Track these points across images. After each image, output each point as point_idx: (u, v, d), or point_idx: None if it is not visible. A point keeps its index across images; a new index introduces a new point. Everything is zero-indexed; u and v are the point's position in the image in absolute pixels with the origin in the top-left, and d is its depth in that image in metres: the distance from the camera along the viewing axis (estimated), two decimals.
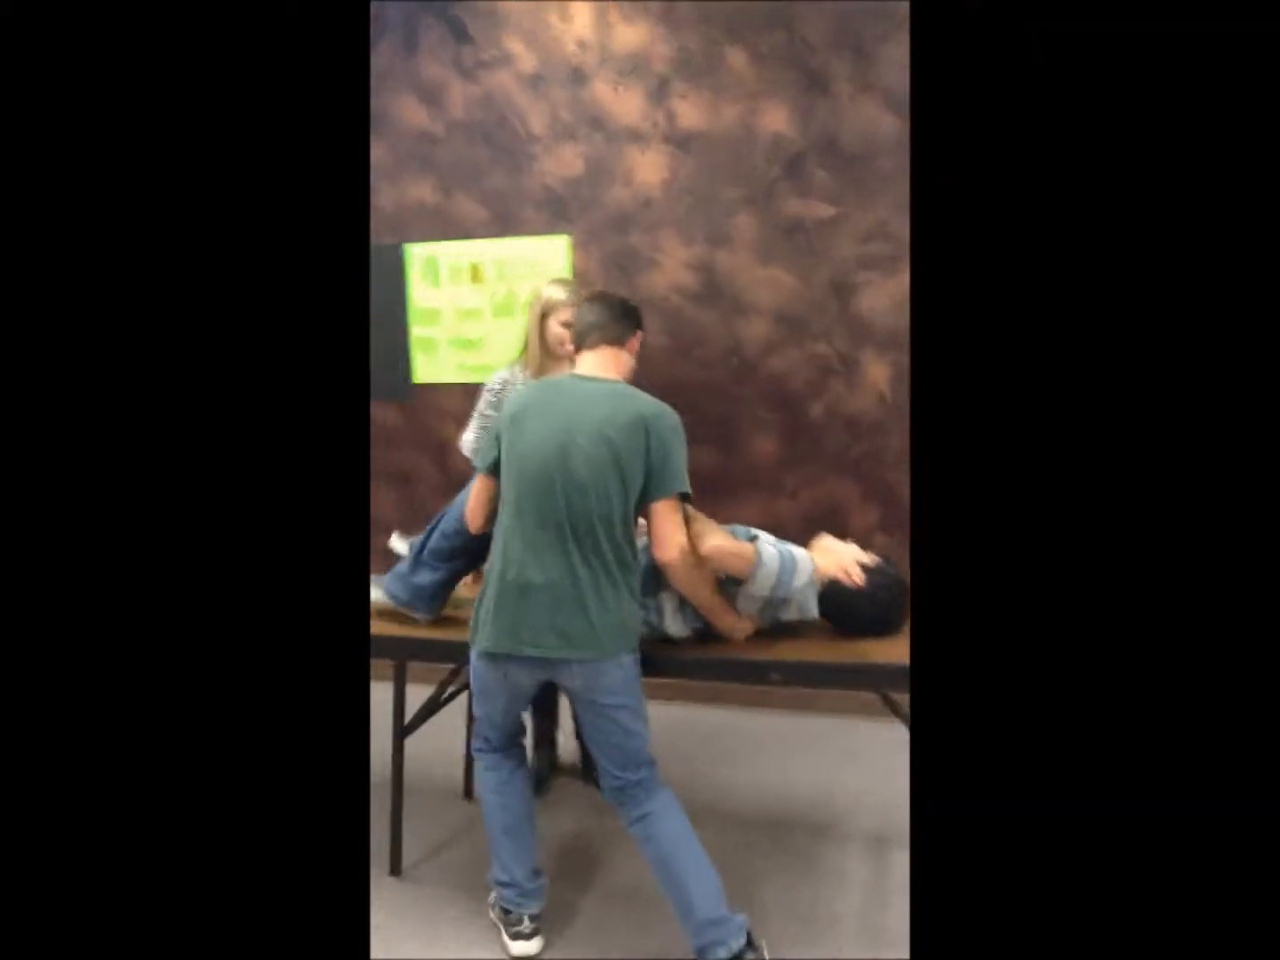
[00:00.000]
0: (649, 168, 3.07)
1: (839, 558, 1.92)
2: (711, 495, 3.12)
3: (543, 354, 2.37)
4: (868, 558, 1.95)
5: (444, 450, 3.44)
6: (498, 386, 2.46)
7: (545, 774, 2.65)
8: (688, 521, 1.81)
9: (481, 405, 2.49)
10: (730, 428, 3.11)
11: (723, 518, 3.10)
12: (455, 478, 3.41)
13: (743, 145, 2.97)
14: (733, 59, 2.93)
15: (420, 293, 3.37)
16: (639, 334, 1.87)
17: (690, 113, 3.00)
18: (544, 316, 2.35)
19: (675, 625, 1.92)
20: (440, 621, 2.13)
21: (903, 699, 1.95)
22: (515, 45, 3.13)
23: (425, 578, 2.07)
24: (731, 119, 2.97)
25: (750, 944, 1.72)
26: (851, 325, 2.96)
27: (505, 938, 1.91)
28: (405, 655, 2.12)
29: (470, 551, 2.03)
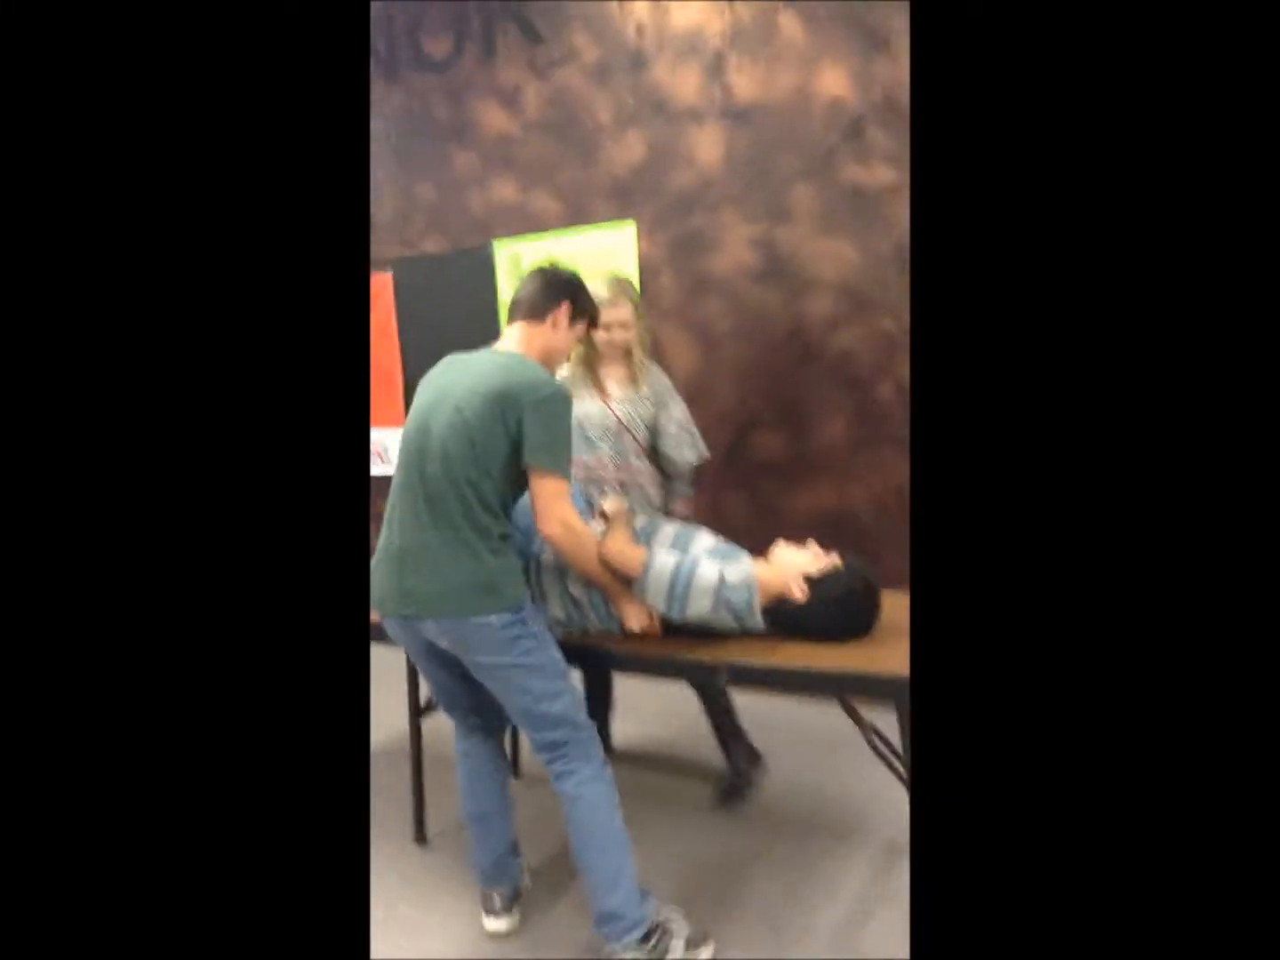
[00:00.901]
0: (708, 146, 3.00)
1: (784, 571, 1.79)
2: (781, 480, 3.01)
3: (586, 351, 2.36)
4: (818, 566, 1.80)
5: None
6: None
7: (738, 784, 2.52)
8: (610, 523, 1.83)
9: None
10: (797, 410, 2.97)
11: (792, 503, 2.99)
12: None
13: (800, 113, 2.83)
14: (786, 24, 2.80)
15: (507, 289, 3.49)
16: (565, 304, 1.82)
17: (746, 85, 2.90)
18: None
19: (594, 618, 1.87)
20: None
21: (875, 702, 1.77)
22: (580, 38, 3.17)
23: None
24: (787, 87, 2.83)
25: (648, 939, 1.69)
26: None
27: (482, 913, 1.95)
28: None
29: None
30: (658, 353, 2.92)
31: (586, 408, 2.35)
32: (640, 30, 3.05)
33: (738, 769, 2.46)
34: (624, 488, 2.36)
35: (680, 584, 1.73)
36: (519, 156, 3.39)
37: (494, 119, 3.42)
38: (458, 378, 1.72)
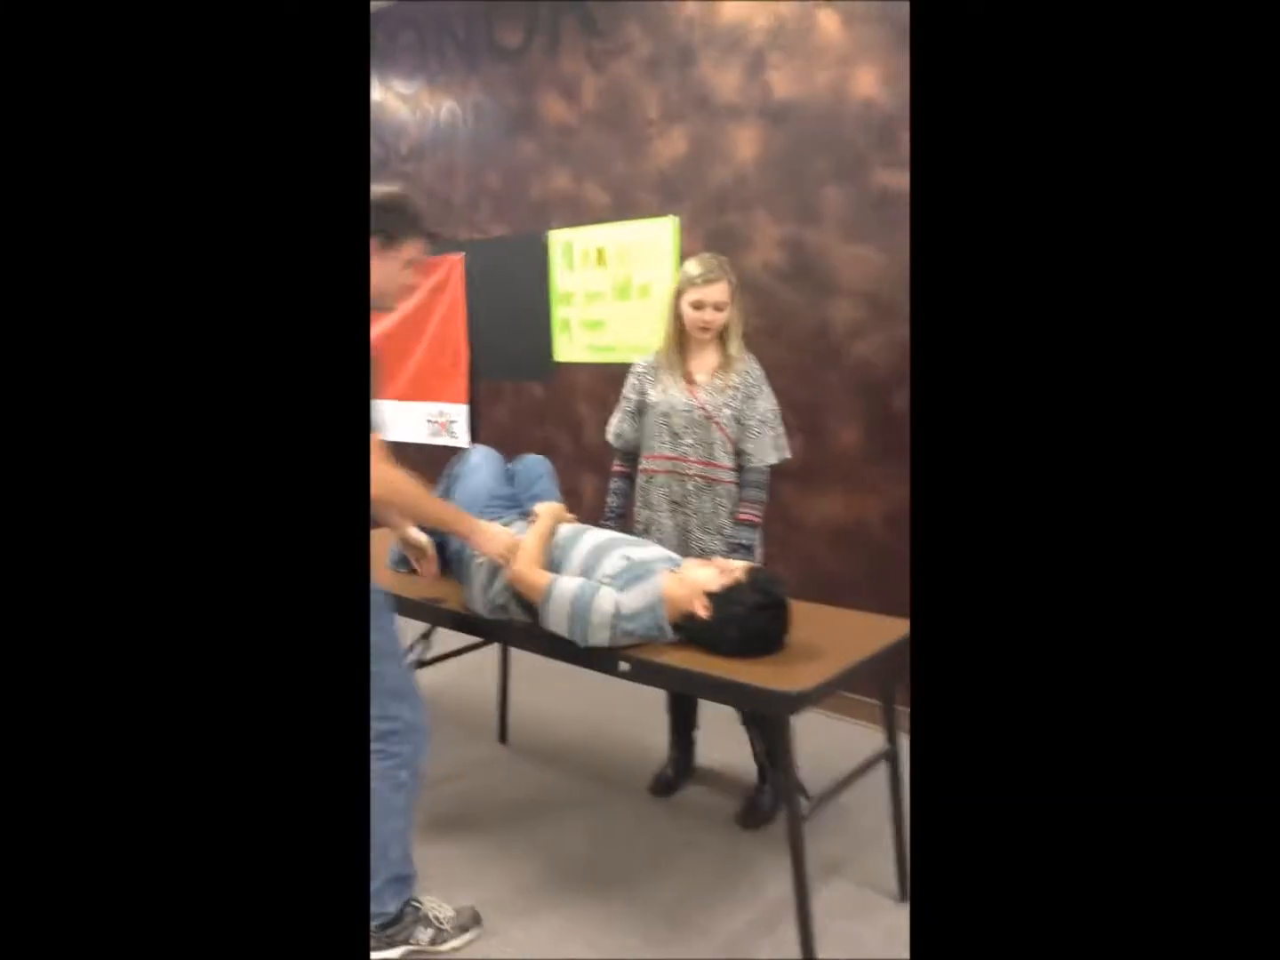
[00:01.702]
0: (745, 143, 2.98)
1: (687, 586, 1.80)
2: (795, 484, 3.00)
3: (676, 333, 2.25)
4: (721, 579, 1.80)
5: (579, 426, 3.66)
6: (640, 369, 2.36)
7: (670, 777, 2.53)
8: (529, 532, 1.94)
9: (625, 389, 2.39)
10: (815, 415, 2.94)
11: (804, 509, 2.97)
12: (587, 451, 3.62)
13: (833, 114, 2.77)
14: (825, 22, 2.74)
15: (560, 276, 3.60)
16: (372, 238, 1.67)
17: (784, 82, 2.86)
18: (677, 295, 2.23)
19: (479, 604, 1.96)
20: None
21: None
22: (634, 31, 3.21)
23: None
24: (823, 86, 2.78)
25: (400, 918, 1.85)
26: None
27: None
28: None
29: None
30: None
31: (672, 397, 2.25)
32: (689, 23, 3.05)
33: (760, 791, 2.39)
34: (708, 485, 2.24)
35: (579, 617, 1.76)
36: (574, 147, 3.47)
37: (555, 109, 3.51)
38: None
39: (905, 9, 2.57)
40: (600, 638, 1.77)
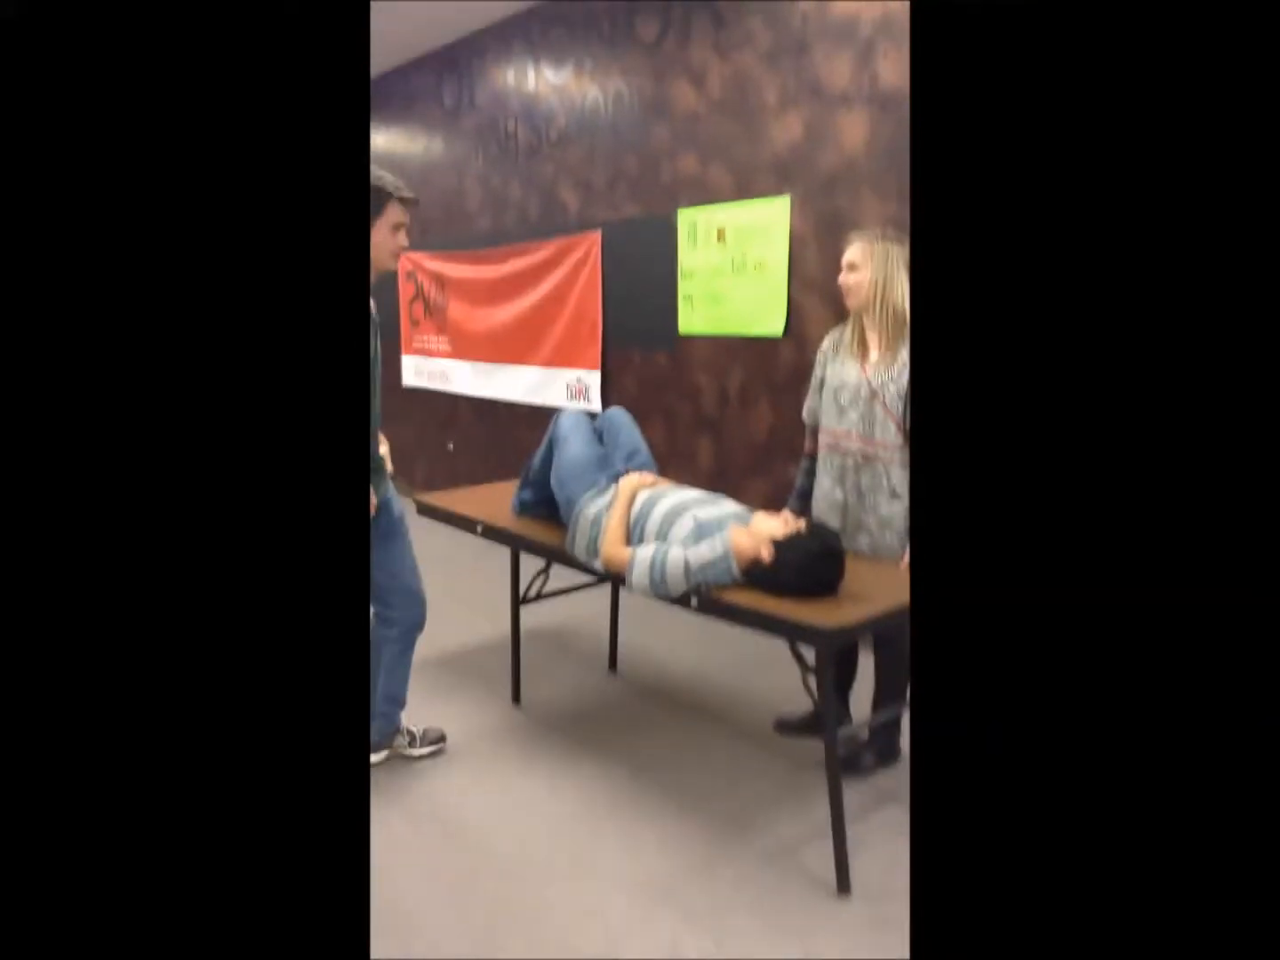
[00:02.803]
0: (854, 129, 3.15)
1: (755, 536, 2.07)
2: None
3: (858, 313, 2.32)
4: (785, 530, 2.06)
5: (698, 393, 3.95)
6: (824, 346, 2.44)
7: (795, 721, 2.67)
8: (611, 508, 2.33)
9: (815, 367, 2.48)
10: None
11: None
12: (704, 416, 3.92)
13: None
14: None
15: (685, 253, 3.88)
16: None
17: (891, 72, 3.01)
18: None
19: (583, 557, 2.37)
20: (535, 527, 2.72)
21: (809, 653, 2.01)
22: (756, 24, 3.42)
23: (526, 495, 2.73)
24: None
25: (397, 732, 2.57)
26: None
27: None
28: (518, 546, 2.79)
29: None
30: None
31: (845, 373, 2.30)
32: (805, 18, 3.23)
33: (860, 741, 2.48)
34: (867, 461, 2.28)
35: (656, 575, 2.10)
36: (701, 133, 3.73)
37: (685, 97, 3.77)
38: None
39: None
40: (679, 587, 2.10)
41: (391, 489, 2.42)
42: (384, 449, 2.41)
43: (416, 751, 2.58)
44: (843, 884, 2.01)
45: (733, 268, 3.67)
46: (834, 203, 3.26)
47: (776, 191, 3.46)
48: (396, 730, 2.58)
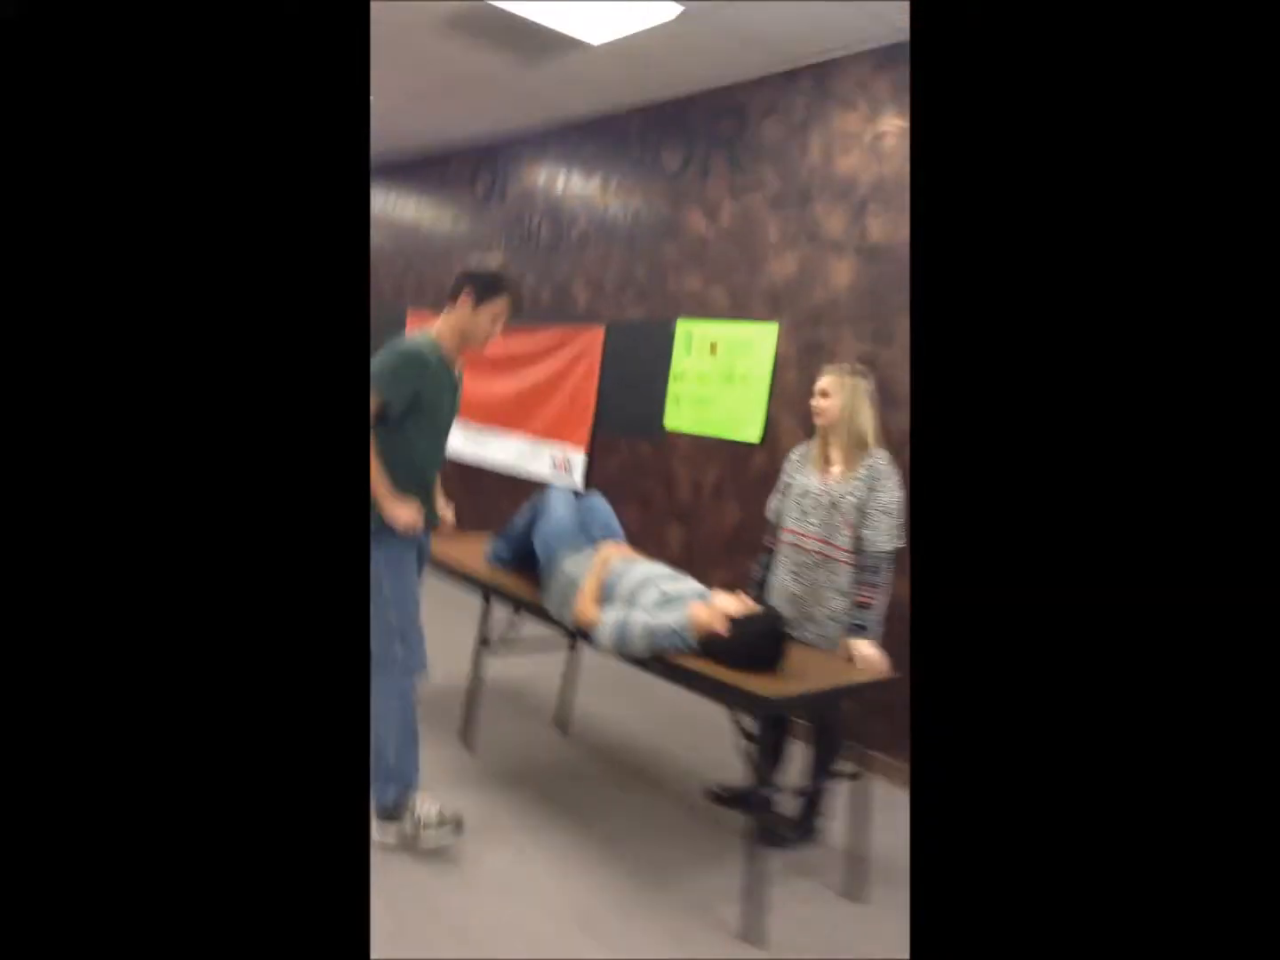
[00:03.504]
0: (841, 274, 3.59)
1: (712, 611, 2.35)
2: None
3: (820, 427, 2.63)
4: (740, 609, 2.35)
5: (674, 483, 4.28)
6: (794, 456, 2.76)
7: (728, 793, 2.85)
8: (601, 564, 2.58)
9: (782, 472, 2.79)
10: None
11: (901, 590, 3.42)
12: (678, 505, 4.24)
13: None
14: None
15: (679, 358, 4.27)
16: (468, 289, 2.36)
17: (878, 228, 3.45)
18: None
19: (554, 613, 2.60)
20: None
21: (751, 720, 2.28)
22: (767, 171, 3.89)
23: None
24: (907, 235, 3.35)
25: (396, 808, 2.35)
26: None
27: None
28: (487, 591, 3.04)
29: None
30: (887, 438, 2.93)
31: (808, 481, 2.60)
32: (811, 173, 3.71)
33: (787, 819, 2.69)
34: (824, 560, 2.55)
35: (621, 636, 2.39)
36: (708, 256, 4.16)
37: (697, 223, 4.22)
38: None
39: None
40: (639, 649, 2.37)
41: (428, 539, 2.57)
42: (445, 506, 2.61)
43: (429, 844, 2.37)
44: (753, 937, 2.22)
45: (720, 377, 4.05)
46: (817, 334, 3.67)
47: (768, 317, 3.87)
48: (407, 810, 2.37)
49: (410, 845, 2.37)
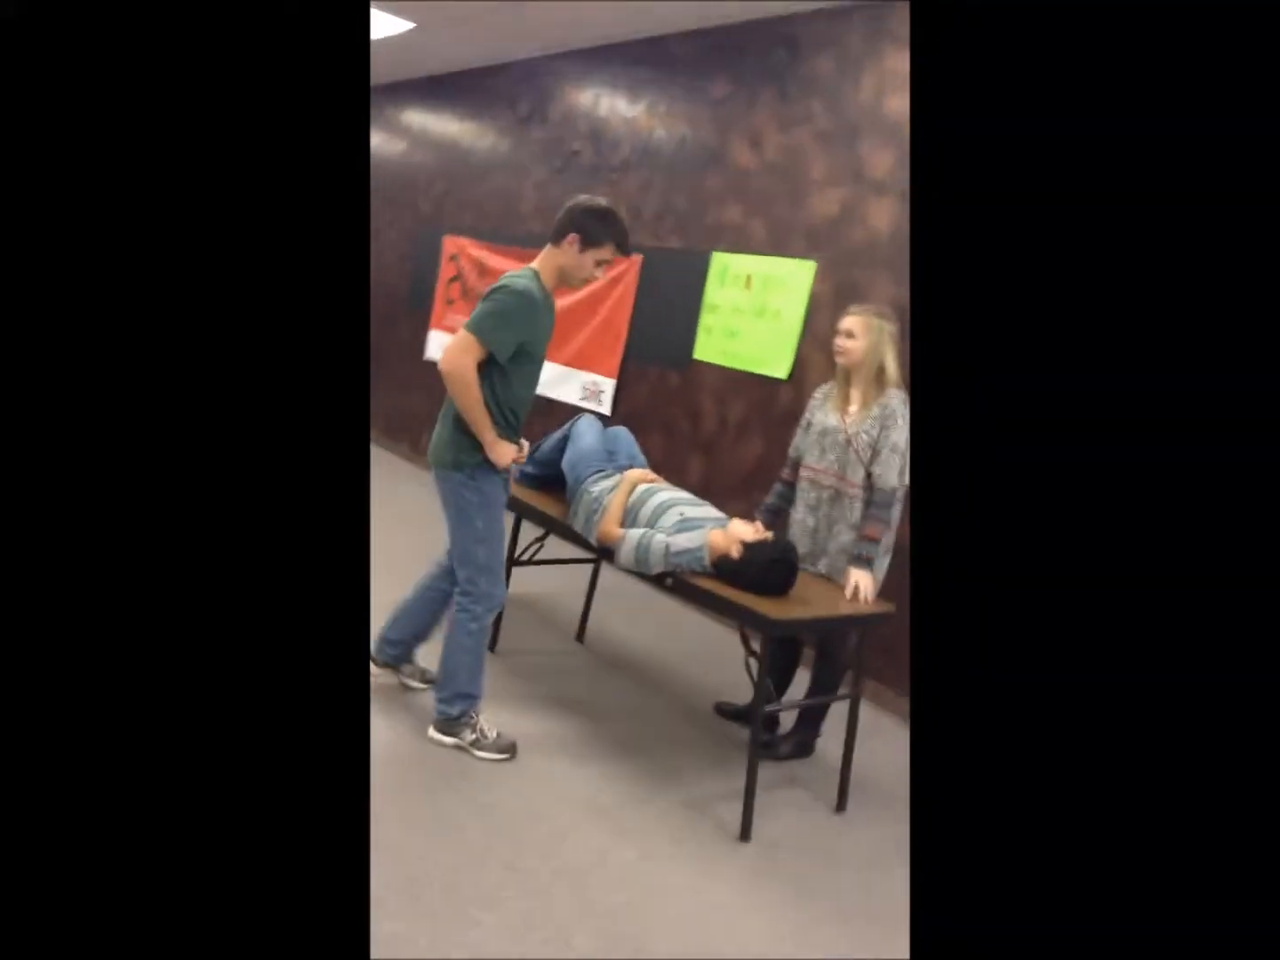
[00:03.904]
0: (882, 215, 3.61)
1: (729, 536, 2.47)
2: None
3: (841, 368, 2.72)
4: (755, 536, 2.46)
5: (699, 414, 4.37)
6: (817, 397, 2.84)
7: (739, 708, 3.02)
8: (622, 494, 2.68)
9: (806, 411, 2.87)
10: None
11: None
12: (701, 436, 4.34)
13: None
14: None
15: (713, 290, 4.31)
16: (574, 234, 2.34)
17: None
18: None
19: (580, 529, 2.72)
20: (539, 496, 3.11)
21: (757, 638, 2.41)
22: (817, 106, 3.88)
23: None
24: None
25: (450, 723, 2.51)
26: None
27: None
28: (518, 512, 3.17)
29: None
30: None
31: (827, 419, 2.70)
32: (860, 111, 3.70)
33: (782, 734, 2.89)
34: (838, 496, 2.67)
35: (641, 554, 2.51)
36: (749, 188, 4.17)
37: (741, 154, 4.22)
38: None
39: None
40: (657, 568, 2.50)
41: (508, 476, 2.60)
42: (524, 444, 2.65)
43: (482, 754, 2.53)
44: (745, 834, 2.39)
45: (753, 311, 4.11)
46: (853, 275, 3.71)
47: (805, 255, 3.91)
48: (468, 724, 2.54)
49: (465, 752, 2.53)
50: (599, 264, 2.42)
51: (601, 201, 2.43)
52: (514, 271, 2.41)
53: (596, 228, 2.36)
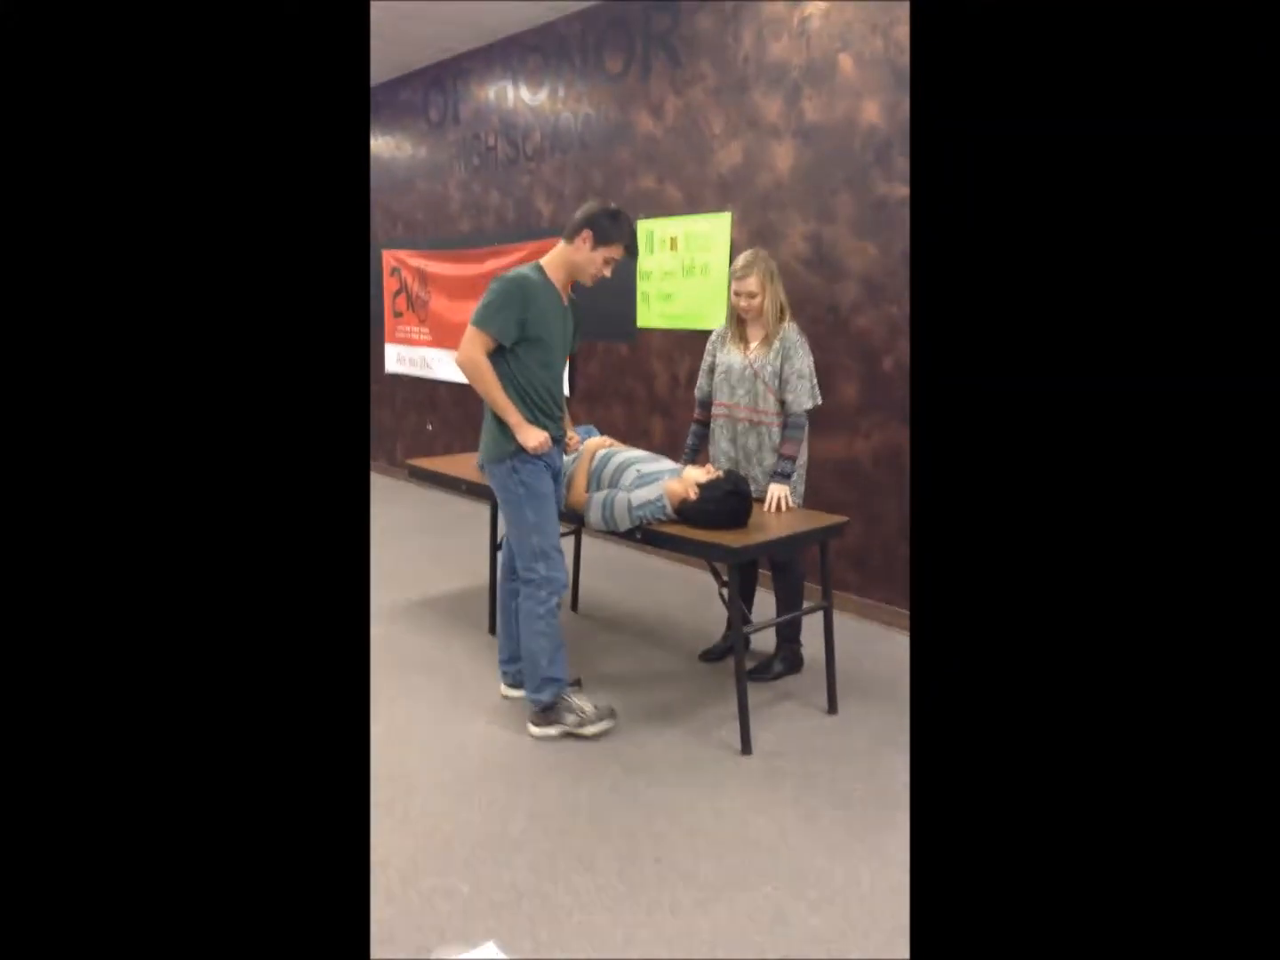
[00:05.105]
0: (782, 157, 3.77)
1: (684, 482, 2.65)
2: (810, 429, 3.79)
3: (733, 310, 2.93)
4: (707, 476, 2.65)
5: (652, 379, 4.54)
6: (714, 338, 3.07)
7: (720, 649, 3.22)
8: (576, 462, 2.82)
9: (705, 354, 3.11)
10: (826, 374, 3.71)
11: (815, 448, 3.74)
12: (658, 399, 4.51)
13: (847, 136, 3.52)
14: (844, 64, 3.49)
15: (643, 258, 4.47)
16: (586, 231, 2.47)
17: (812, 110, 3.62)
18: (730, 283, 2.94)
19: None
20: None
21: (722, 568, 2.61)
22: (705, 66, 4.02)
23: None
24: (840, 114, 3.53)
25: (553, 706, 2.62)
26: None
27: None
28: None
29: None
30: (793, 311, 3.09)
31: (731, 359, 2.93)
32: (746, 62, 3.84)
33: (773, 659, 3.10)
34: (753, 426, 2.92)
35: (606, 512, 2.69)
36: (658, 154, 4.32)
37: (645, 123, 4.37)
38: None
39: (901, 54, 3.29)
40: (623, 521, 2.68)
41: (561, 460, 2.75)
42: (570, 427, 2.78)
43: (590, 730, 2.61)
44: (745, 748, 2.60)
45: (683, 271, 4.27)
46: (766, 217, 3.87)
47: (720, 207, 4.07)
48: (565, 707, 2.62)
49: (574, 734, 2.64)
50: (608, 262, 2.55)
51: (614, 205, 2.58)
52: (524, 266, 2.54)
53: (609, 227, 2.49)
